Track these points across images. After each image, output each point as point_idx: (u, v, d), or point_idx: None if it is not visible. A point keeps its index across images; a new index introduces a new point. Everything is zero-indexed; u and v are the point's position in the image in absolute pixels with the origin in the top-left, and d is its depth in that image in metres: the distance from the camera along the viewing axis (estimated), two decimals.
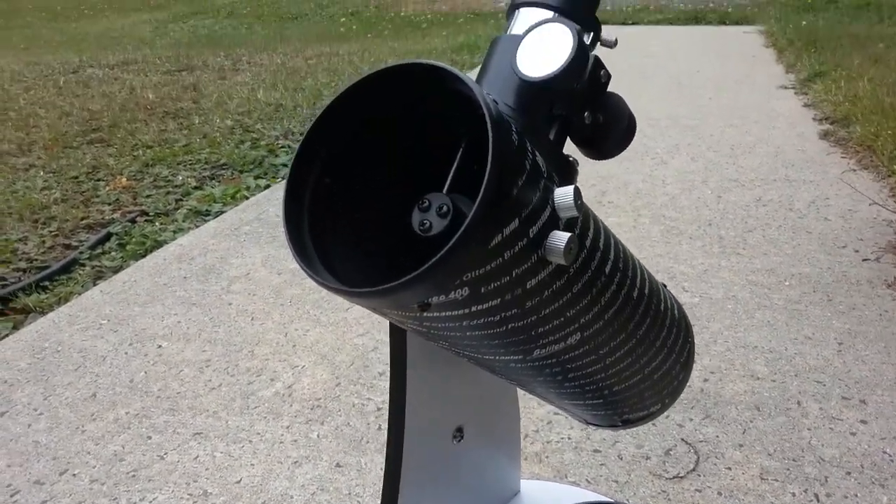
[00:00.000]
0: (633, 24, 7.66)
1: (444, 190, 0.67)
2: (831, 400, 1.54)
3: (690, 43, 6.46)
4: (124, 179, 3.09)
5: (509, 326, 0.66)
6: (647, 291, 0.82)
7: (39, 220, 2.70)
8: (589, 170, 3.10)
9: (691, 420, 1.50)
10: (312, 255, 0.66)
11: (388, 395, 0.89)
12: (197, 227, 2.67)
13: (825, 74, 4.63)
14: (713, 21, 7.63)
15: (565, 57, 0.65)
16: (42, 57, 6.99)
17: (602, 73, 0.71)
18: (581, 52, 0.66)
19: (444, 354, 0.90)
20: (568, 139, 0.76)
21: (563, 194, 0.62)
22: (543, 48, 0.68)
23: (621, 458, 1.40)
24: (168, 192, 3.02)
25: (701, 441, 1.44)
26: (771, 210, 2.60)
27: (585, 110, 0.71)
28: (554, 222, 0.62)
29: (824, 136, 3.47)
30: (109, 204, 2.89)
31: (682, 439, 1.44)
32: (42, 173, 3.22)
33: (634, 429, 1.48)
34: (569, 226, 0.65)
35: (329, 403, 1.59)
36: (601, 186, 2.89)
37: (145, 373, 1.72)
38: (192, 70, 5.89)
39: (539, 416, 1.52)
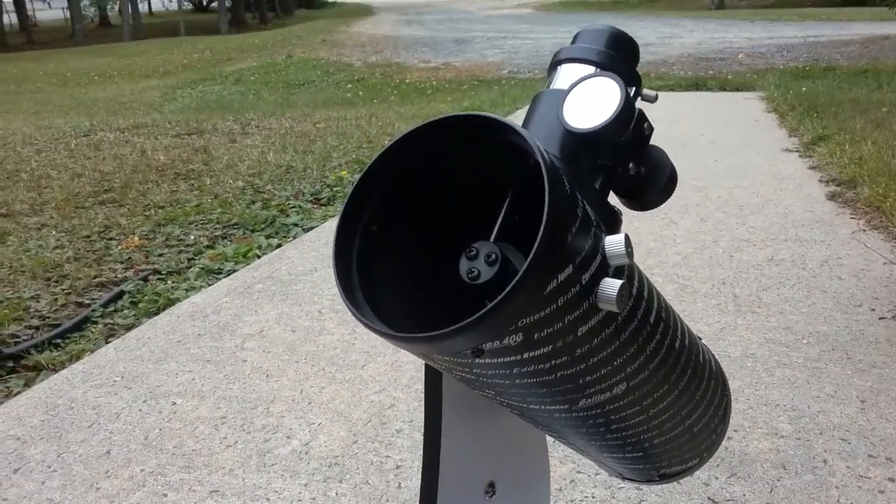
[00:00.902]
0: None
1: (492, 238, 0.68)
2: (857, 458, 1.52)
3: (692, 108, 6.56)
4: (136, 239, 3.10)
5: (559, 374, 0.66)
6: (687, 343, 0.82)
7: (52, 279, 2.71)
8: None
9: (717, 479, 1.47)
10: (361, 299, 0.67)
11: (423, 447, 0.87)
12: (209, 285, 2.67)
13: (829, 138, 4.68)
14: (713, 87, 7.76)
15: (614, 108, 0.67)
16: (53, 121, 7.10)
17: (645, 125, 0.73)
18: (628, 104, 0.67)
19: (481, 406, 0.89)
20: (616, 196, 0.77)
21: (615, 242, 0.62)
22: (590, 100, 0.69)
23: None
24: (180, 251, 3.03)
25: (728, 500, 1.41)
26: (784, 269, 2.61)
27: (630, 162, 0.72)
28: (604, 270, 0.63)
29: (832, 197, 3.50)
30: (122, 262, 2.89)
31: (709, 498, 1.42)
32: (54, 233, 3.24)
33: (659, 487, 1.45)
34: (617, 273, 0.66)
35: (347, 461, 1.56)
36: None
37: (160, 430, 1.70)
38: (202, 133, 5.97)
39: (562, 475, 1.50)
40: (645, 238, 3.00)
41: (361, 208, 0.68)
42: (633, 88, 0.75)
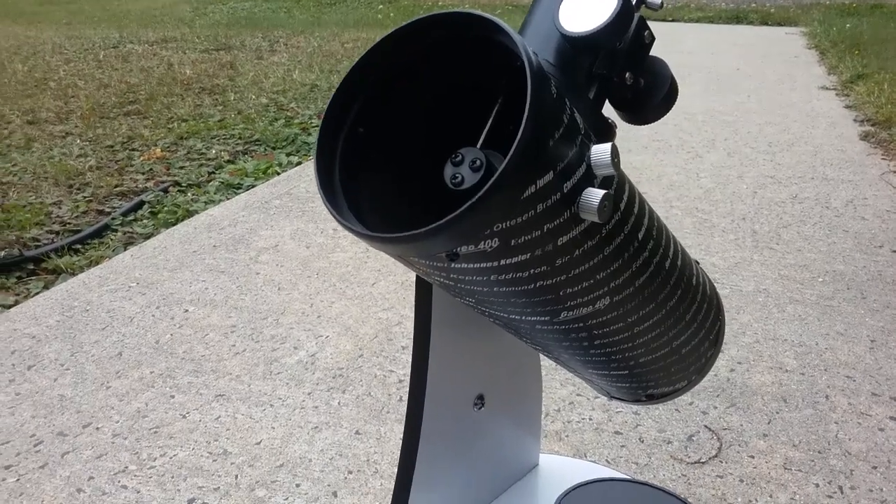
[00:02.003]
0: (672, 20, 7.58)
1: (479, 145, 0.66)
2: (860, 395, 1.51)
3: (730, 41, 6.37)
4: (158, 150, 3.12)
5: (538, 284, 0.65)
6: (679, 263, 0.81)
7: (74, 186, 2.74)
8: (622, 160, 3.07)
9: (716, 408, 1.48)
10: (342, 200, 0.66)
11: (412, 356, 0.88)
12: (228, 199, 2.68)
13: (868, 77, 4.54)
14: (755, 21, 7.51)
15: (609, 12, 0.64)
16: (83, 31, 7.08)
17: (646, 33, 0.70)
18: (625, 9, 0.64)
19: (471, 319, 0.89)
20: (607, 104, 0.75)
21: (600, 151, 0.61)
22: (587, 4, 0.66)
23: (642, 441, 1.38)
24: (201, 165, 3.05)
25: (725, 429, 1.41)
26: (807, 207, 2.56)
27: (627, 71, 0.70)
28: (589, 179, 0.61)
29: (865, 137, 3.41)
30: (143, 174, 2.91)
31: (706, 426, 1.42)
32: (78, 141, 3.26)
33: (657, 413, 1.46)
34: (604, 185, 0.64)
35: (351, 373, 1.59)
36: (634, 177, 2.86)
37: (171, 335, 1.74)
38: (230, 49, 5.92)
39: (561, 397, 1.51)
40: (668, 171, 2.95)
41: (347, 108, 0.67)
42: None
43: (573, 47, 0.67)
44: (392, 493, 0.94)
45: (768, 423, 1.43)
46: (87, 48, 5.76)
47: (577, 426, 1.43)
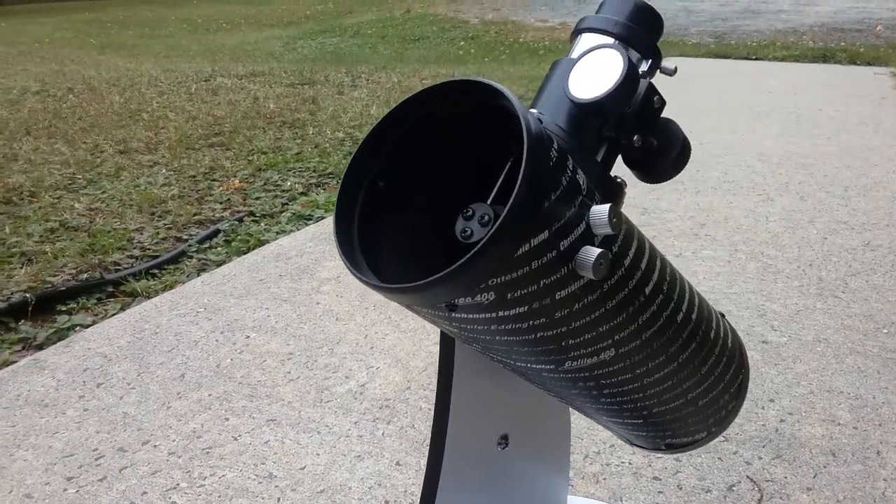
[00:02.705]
0: (755, 59, 7.46)
1: (489, 201, 0.70)
2: None
3: (815, 81, 6.23)
4: (237, 181, 3.26)
5: (538, 335, 0.68)
6: (693, 317, 0.82)
7: (156, 213, 2.89)
8: (689, 201, 3.05)
9: (760, 458, 1.46)
10: (357, 251, 0.71)
11: (435, 396, 0.92)
12: (298, 230, 2.79)
13: None
14: (842, 60, 7.32)
15: (614, 80, 0.68)
16: (179, 65, 7.45)
17: (655, 98, 0.73)
18: (631, 77, 0.68)
19: (490, 373, 0.92)
20: (623, 163, 0.78)
21: (598, 212, 0.64)
22: (595, 71, 0.70)
23: (681, 489, 1.38)
24: (276, 196, 3.17)
25: (767, 480, 1.39)
26: (879, 255, 2.49)
27: (635, 134, 0.73)
28: (588, 238, 0.64)
29: None
30: (221, 203, 3.06)
31: (748, 476, 1.41)
32: (164, 171, 3.44)
33: (699, 460, 1.45)
34: (605, 243, 0.67)
35: (397, 405, 1.64)
36: (700, 219, 2.84)
37: (231, 360, 1.82)
38: (314, 84, 6.14)
39: (602, 439, 1.52)
40: (736, 213, 2.91)
41: (368, 163, 0.72)
42: (649, 62, 0.76)
43: (583, 112, 0.70)
44: None
45: (814, 476, 1.40)
46: (181, 81, 6.07)
47: (615, 469, 1.43)
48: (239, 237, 2.70)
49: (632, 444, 1.00)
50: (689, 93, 5.70)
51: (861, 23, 10.45)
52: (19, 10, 17.99)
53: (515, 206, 0.57)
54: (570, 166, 0.64)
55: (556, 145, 0.63)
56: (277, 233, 2.75)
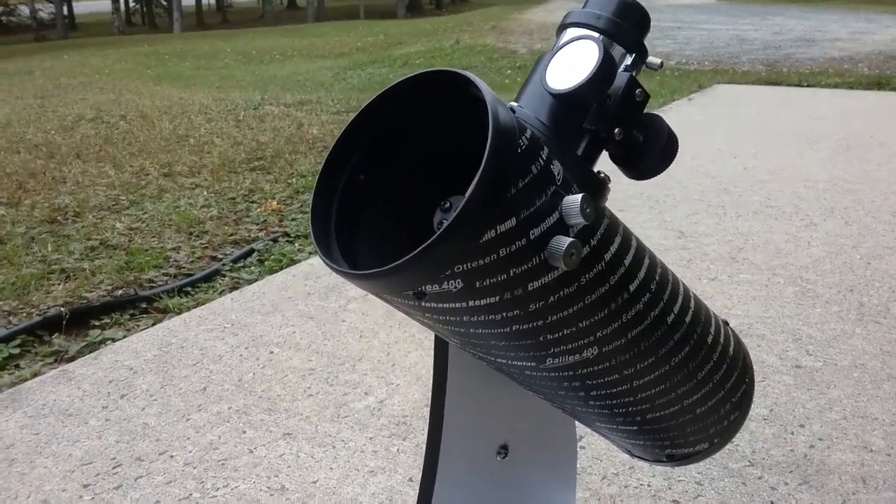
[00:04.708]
0: (807, 86, 7.32)
1: (467, 194, 0.69)
2: None
3: (868, 108, 6.08)
4: (275, 203, 3.31)
5: (513, 328, 0.67)
6: (687, 320, 0.80)
7: (194, 233, 2.95)
8: (728, 225, 2.99)
9: (786, 484, 1.40)
10: (332, 240, 0.71)
11: (430, 403, 0.91)
12: None
13: None
14: None
15: (589, 70, 0.67)
16: (230, 94, 7.63)
17: (637, 91, 0.72)
18: (606, 66, 0.67)
19: (492, 371, 0.90)
20: (612, 162, 0.76)
21: (570, 202, 0.63)
22: (572, 63, 0.69)
23: None
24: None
25: None
26: None
27: (616, 127, 0.71)
28: (562, 228, 0.63)
29: None
30: (258, 224, 3.10)
31: (772, 502, 1.35)
32: (205, 193, 3.51)
33: (723, 484, 1.40)
34: (583, 236, 0.66)
35: (415, 422, 1.62)
36: (738, 243, 2.78)
37: (253, 374, 1.83)
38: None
39: (622, 461, 1.48)
40: (777, 237, 2.84)
41: (348, 156, 0.72)
42: (633, 56, 0.74)
43: (562, 104, 0.69)
44: None
45: (842, 503, 1.34)
46: (230, 109, 6.21)
47: (633, 491, 1.39)
48: (273, 257, 2.73)
49: (632, 454, 0.97)
50: (735, 118, 5.62)
51: None
52: (85, 42, 18.72)
53: (477, 191, 0.57)
54: (543, 156, 0.63)
55: (528, 134, 0.62)
56: (310, 253, 2.77)
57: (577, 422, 1.06)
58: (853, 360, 1.87)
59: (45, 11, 26.39)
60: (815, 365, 1.85)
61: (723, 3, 22.84)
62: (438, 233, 0.57)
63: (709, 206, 3.29)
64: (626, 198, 3.34)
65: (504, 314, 0.65)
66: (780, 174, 3.85)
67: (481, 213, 0.57)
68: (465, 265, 0.59)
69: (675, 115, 5.53)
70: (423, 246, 0.57)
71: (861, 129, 5.10)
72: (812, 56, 10.07)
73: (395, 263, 0.58)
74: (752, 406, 1.65)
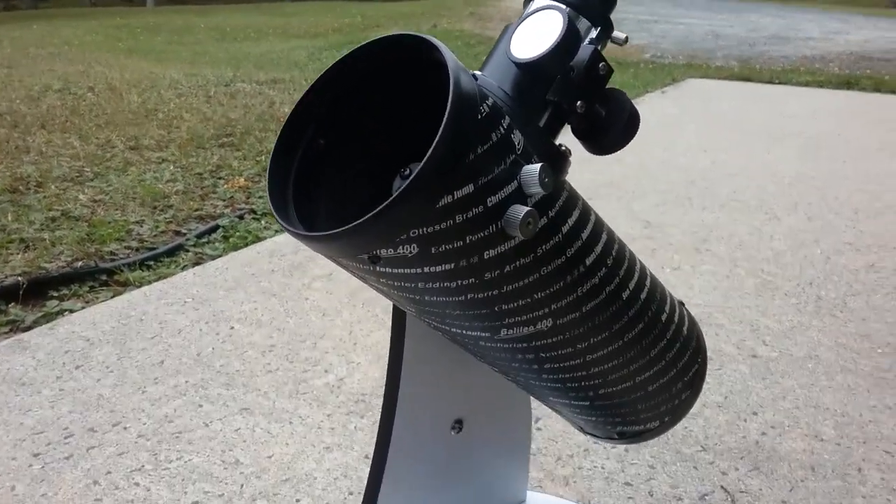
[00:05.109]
0: (779, 83, 7.40)
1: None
2: None
3: (837, 107, 6.17)
4: (242, 180, 3.28)
5: (468, 297, 0.67)
6: (643, 297, 0.80)
7: (158, 207, 2.91)
8: (694, 217, 3.01)
9: (737, 469, 1.42)
10: (289, 204, 0.70)
11: (385, 381, 0.91)
12: None
13: None
14: (867, 87, 7.24)
15: (553, 39, 0.66)
16: (202, 70, 7.52)
17: (601, 65, 0.72)
18: (570, 37, 0.67)
19: (447, 345, 0.90)
20: (576, 138, 0.76)
21: (529, 171, 0.63)
22: (536, 32, 0.69)
23: (651, 495, 1.34)
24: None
25: (741, 491, 1.36)
26: (882, 277, 2.44)
27: (579, 100, 0.71)
28: (520, 198, 0.63)
29: None
30: (224, 200, 3.07)
31: (722, 486, 1.37)
32: (171, 167, 3.46)
33: (674, 468, 1.42)
34: (541, 207, 0.66)
35: (374, 400, 1.62)
36: (703, 234, 2.81)
37: (213, 349, 1.81)
38: None
39: (577, 443, 1.49)
40: (740, 230, 2.88)
41: (308, 118, 0.71)
42: (598, 29, 0.74)
43: (525, 74, 0.69)
44: None
45: (790, 490, 1.37)
46: (201, 85, 6.12)
47: (587, 473, 1.40)
48: (238, 233, 2.71)
49: (584, 431, 0.98)
50: (707, 113, 5.67)
51: (890, 52, 10.36)
52: (55, 13, 18.33)
53: (435, 154, 0.56)
54: (504, 124, 0.62)
55: (489, 101, 0.62)
56: (276, 231, 2.75)
57: (533, 402, 1.07)
58: (808, 352, 1.90)
59: None
60: (771, 355, 1.88)
61: None
62: (395, 195, 0.56)
63: (676, 197, 3.32)
64: (596, 187, 3.35)
65: (459, 282, 0.65)
66: (748, 169, 3.89)
67: (439, 177, 0.57)
68: (421, 230, 0.59)
69: (648, 107, 5.56)
70: (379, 208, 0.57)
71: (830, 128, 5.18)
72: (785, 54, 10.18)
73: (351, 225, 0.58)
74: (707, 393, 1.68)
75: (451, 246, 0.61)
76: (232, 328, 1.93)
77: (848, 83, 7.39)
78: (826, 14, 17.53)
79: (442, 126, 0.57)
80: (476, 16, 15.15)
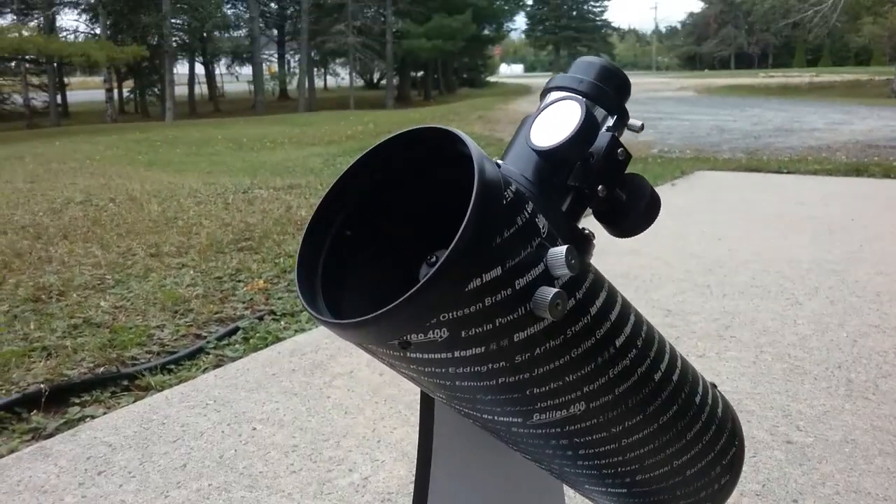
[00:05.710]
0: (787, 172, 7.48)
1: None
2: None
3: (848, 193, 6.21)
4: (261, 282, 3.30)
5: (499, 381, 0.66)
6: (675, 378, 0.79)
7: (178, 312, 2.92)
8: (715, 304, 3.00)
9: None
10: (318, 293, 0.71)
11: (414, 482, 0.89)
12: (317, 327, 2.79)
13: None
14: (876, 174, 7.30)
15: (572, 128, 0.68)
16: (220, 179, 7.72)
17: (620, 151, 0.73)
18: (588, 125, 0.69)
19: (478, 431, 0.89)
20: (598, 221, 0.77)
21: (556, 253, 0.63)
22: (555, 122, 0.71)
23: None
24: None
25: None
26: None
27: (600, 185, 0.73)
28: (547, 280, 0.63)
29: None
30: (244, 302, 3.08)
31: None
32: (191, 272, 3.50)
33: None
34: (569, 288, 0.66)
35: (400, 499, 1.58)
36: (725, 321, 2.78)
37: (235, 451, 1.79)
38: None
39: None
40: (763, 316, 2.85)
41: (336, 211, 0.73)
42: (615, 118, 0.76)
43: (546, 162, 0.71)
44: None
45: None
46: (219, 192, 6.26)
47: None
48: (258, 334, 2.71)
49: None
50: (718, 202, 5.71)
51: None
52: (77, 129, 18.98)
53: (463, 237, 0.57)
54: (529, 209, 0.64)
55: (513, 188, 0.63)
56: (296, 331, 2.75)
57: (568, 490, 1.04)
58: (844, 436, 1.85)
59: (39, 100, 26.85)
60: (807, 441, 1.83)
61: (703, 96, 23.56)
62: (424, 279, 0.57)
63: (695, 285, 3.31)
64: (612, 277, 3.34)
65: (490, 366, 0.64)
66: (764, 255, 3.89)
67: (467, 260, 0.58)
68: (451, 313, 0.59)
69: None
70: (410, 292, 0.57)
71: (842, 213, 5.20)
72: (791, 144, 10.34)
73: (382, 311, 0.58)
74: (744, 482, 1.63)
75: (480, 329, 0.62)
76: (254, 429, 1.90)
77: (857, 170, 7.46)
78: (828, 106, 17.90)
79: (469, 208, 0.58)
80: (484, 119, 15.59)
